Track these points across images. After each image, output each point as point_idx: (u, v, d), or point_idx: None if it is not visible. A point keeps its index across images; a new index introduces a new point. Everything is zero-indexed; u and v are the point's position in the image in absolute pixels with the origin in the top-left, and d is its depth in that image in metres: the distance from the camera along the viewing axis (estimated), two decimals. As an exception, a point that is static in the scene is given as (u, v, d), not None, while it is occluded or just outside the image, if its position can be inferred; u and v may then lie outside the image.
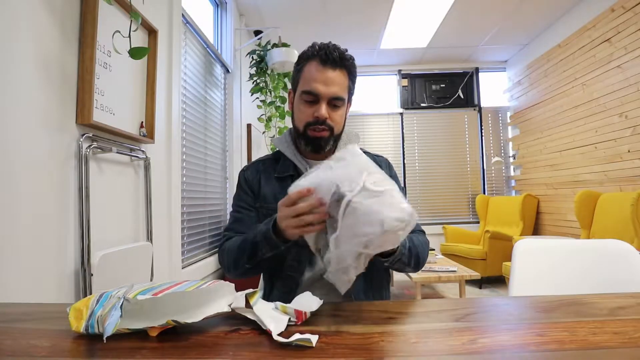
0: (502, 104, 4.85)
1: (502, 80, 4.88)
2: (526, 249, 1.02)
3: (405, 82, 4.95)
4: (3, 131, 0.93)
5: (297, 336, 0.50)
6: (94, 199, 1.25)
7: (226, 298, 0.59)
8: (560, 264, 1.01)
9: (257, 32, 3.45)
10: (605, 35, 3.09)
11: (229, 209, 2.99)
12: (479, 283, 3.83)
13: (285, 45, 2.93)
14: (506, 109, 4.84)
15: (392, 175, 1.06)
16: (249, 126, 3.36)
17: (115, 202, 1.40)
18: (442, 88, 4.95)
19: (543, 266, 1.01)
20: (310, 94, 0.91)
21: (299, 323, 0.58)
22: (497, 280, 3.85)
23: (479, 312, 0.66)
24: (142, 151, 1.55)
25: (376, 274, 0.94)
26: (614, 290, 0.89)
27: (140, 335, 0.55)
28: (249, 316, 0.58)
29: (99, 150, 1.27)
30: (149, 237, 1.60)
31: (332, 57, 0.90)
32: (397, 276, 4.10)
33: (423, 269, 2.86)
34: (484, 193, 4.81)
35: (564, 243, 1.04)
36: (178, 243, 1.93)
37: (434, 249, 3.58)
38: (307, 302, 0.62)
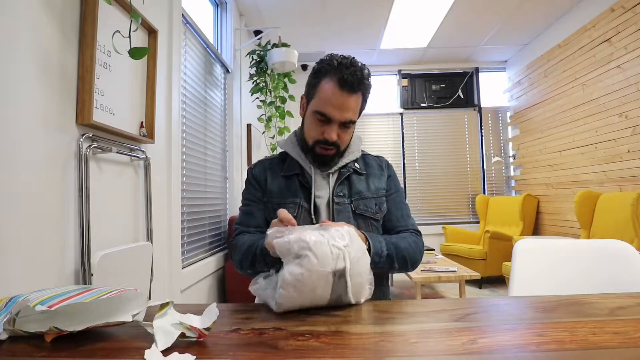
0: (502, 104, 4.85)
1: (502, 80, 4.88)
2: (526, 249, 1.02)
3: (405, 82, 4.95)
4: (3, 131, 0.93)
5: (174, 356, 0.49)
6: (94, 199, 1.24)
7: (134, 308, 0.60)
8: (560, 264, 1.01)
9: (257, 32, 3.45)
10: (605, 35, 3.09)
11: (229, 208, 3.00)
12: (479, 283, 3.83)
13: (285, 45, 2.93)
14: (506, 109, 4.83)
15: (391, 174, 1.08)
16: (249, 126, 3.36)
17: (115, 202, 1.40)
18: (442, 88, 4.95)
19: (543, 266, 1.01)
20: (323, 116, 0.91)
21: (202, 339, 0.55)
22: (497, 280, 3.85)
23: (479, 312, 0.66)
24: (142, 151, 1.55)
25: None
26: (614, 290, 0.89)
27: (145, 334, 0.55)
28: (149, 330, 0.56)
29: (99, 150, 1.27)
30: (149, 237, 1.60)
31: (350, 81, 0.87)
32: (397, 276, 4.10)
33: (423, 269, 2.87)
34: (484, 193, 4.81)
35: (564, 243, 1.04)
36: (178, 243, 1.93)
37: (433, 249, 3.58)
38: (210, 314, 0.57)
